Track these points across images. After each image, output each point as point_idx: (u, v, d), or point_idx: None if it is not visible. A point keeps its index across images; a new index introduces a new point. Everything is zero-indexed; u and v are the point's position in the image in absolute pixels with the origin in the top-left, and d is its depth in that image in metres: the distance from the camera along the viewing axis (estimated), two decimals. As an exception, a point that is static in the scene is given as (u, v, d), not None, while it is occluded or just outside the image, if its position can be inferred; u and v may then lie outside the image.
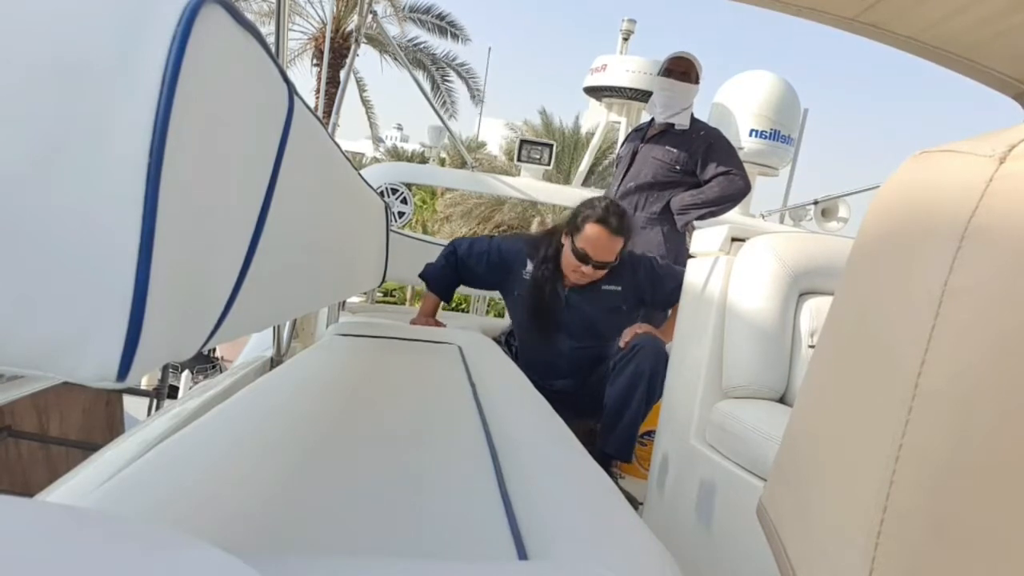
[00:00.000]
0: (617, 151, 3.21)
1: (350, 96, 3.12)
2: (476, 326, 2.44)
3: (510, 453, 0.94)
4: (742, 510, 1.28)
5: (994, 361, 0.33)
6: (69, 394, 2.80)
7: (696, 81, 2.90)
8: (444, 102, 14.20)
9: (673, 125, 2.88)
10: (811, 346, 1.48)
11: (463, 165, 4.24)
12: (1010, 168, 0.35)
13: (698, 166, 2.82)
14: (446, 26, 13.96)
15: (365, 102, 14.79)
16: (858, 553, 0.37)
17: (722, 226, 1.71)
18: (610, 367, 2.18)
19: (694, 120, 2.91)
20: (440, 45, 14.41)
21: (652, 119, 3.00)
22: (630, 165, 2.97)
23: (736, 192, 2.78)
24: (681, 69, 2.89)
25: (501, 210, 13.56)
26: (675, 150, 2.87)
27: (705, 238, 1.75)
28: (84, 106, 0.37)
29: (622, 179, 2.96)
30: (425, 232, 13.35)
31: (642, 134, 3.02)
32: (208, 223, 0.46)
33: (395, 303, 12.53)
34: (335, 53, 10.47)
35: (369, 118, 15.10)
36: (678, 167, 2.86)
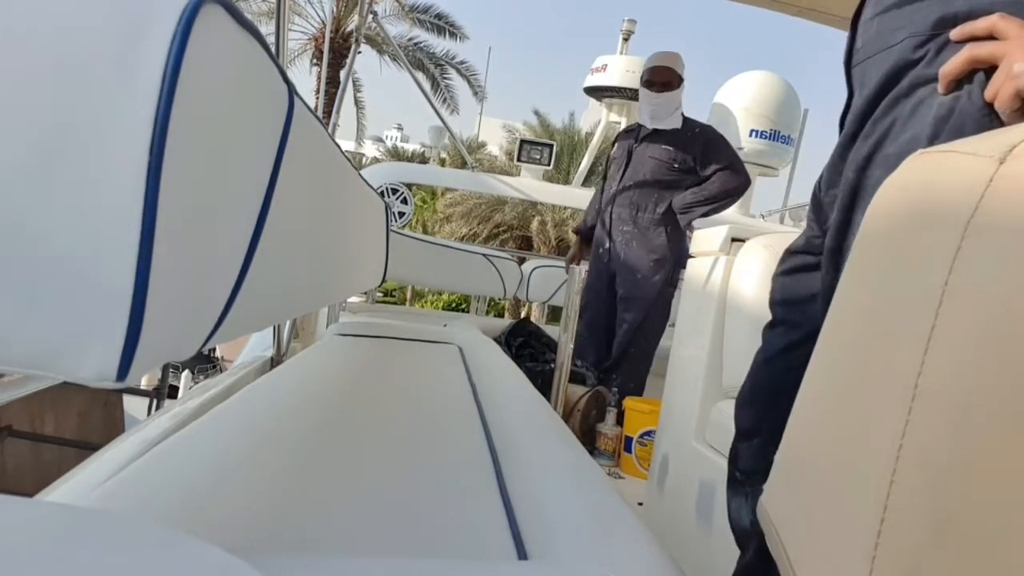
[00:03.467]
0: (610, 152, 3.14)
1: (348, 96, 3.11)
2: (476, 326, 2.44)
3: (510, 453, 0.94)
4: (742, 510, 1.28)
5: (994, 361, 0.33)
6: (69, 394, 2.80)
7: (680, 84, 2.85)
8: (444, 99, 14.20)
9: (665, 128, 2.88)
10: (811, 346, 1.48)
11: (463, 165, 4.25)
12: (1010, 168, 0.35)
13: (697, 163, 2.80)
14: (444, 25, 13.96)
15: (358, 102, 14.77)
16: (858, 553, 0.37)
17: (722, 226, 1.71)
18: None
19: (686, 119, 2.88)
20: (439, 44, 14.38)
21: (639, 125, 2.99)
22: (627, 165, 2.93)
23: (737, 186, 2.76)
24: (662, 80, 2.84)
25: (502, 210, 13.56)
26: (672, 148, 2.84)
27: (705, 238, 1.75)
28: (84, 106, 0.37)
29: (620, 179, 2.92)
30: (425, 232, 13.35)
31: (635, 134, 2.98)
32: (208, 223, 0.46)
33: (395, 303, 12.53)
34: (335, 53, 10.47)
35: (358, 119, 15.07)
36: (676, 165, 2.82)
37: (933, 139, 0.77)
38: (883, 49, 0.87)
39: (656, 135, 2.87)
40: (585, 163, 5.87)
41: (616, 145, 3.08)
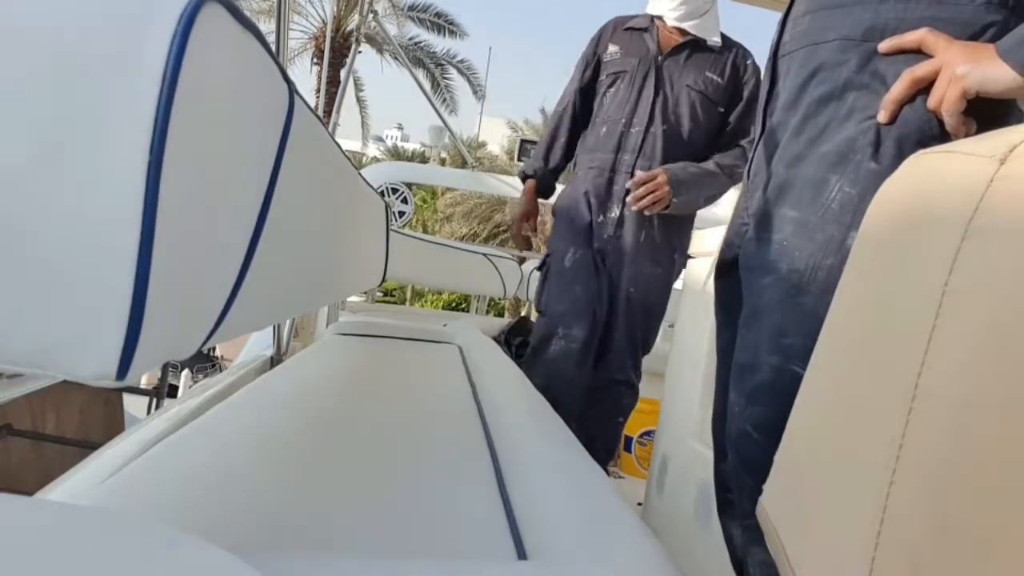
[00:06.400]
0: (595, 51, 1.90)
1: (347, 95, 3.07)
2: (476, 326, 2.44)
3: (510, 453, 0.94)
4: (742, 510, 1.28)
5: (994, 361, 0.33)
6: (69, 393, 2.80)
7: None
8: (444, 99, 14.23)
9: (703, 40, 1.80)
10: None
11: (464, 165, 4.25)
12: (1010, 169, 0.35)
13: (732, 114, 1.82)
14: (444, 24, 14.01)
15: (360, 101, 14.83)
16: (858, 553, 0.37)
17: (722, 226, 1.70)
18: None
19: (723, 36, 1.84)
20: (439, 43, 14.48)
21: (651, 19, 1.84)
22: (654, 90, 1.77)
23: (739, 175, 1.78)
24: None
25: (501, 210, 13.57)
26: (720, 79, 1.78)
27: (705, 238, 1.75)
28: (84, 106, 0.37)
29: (640, 109, 1.77)
30: (425, 232, 13.36)
31: (652, 37, 1.80)
32: (208, 222, 0.46)
33: (395, 303, 12.55)
34: (335, 52, 10.48)
35: (362, 118, 15.12)
36: (721, 109, 1.80)
37: (877, 145, 0.81)
38: (810, 44, 0.90)
39: (695, 51, 1.79)
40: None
41: (606, 43, 1.88)
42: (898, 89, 0.78)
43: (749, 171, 1.01)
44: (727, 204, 2.37)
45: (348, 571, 0.48)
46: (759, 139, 0.99)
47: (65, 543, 0.31)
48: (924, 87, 0.77)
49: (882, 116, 0.80)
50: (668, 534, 1.62)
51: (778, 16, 1.01)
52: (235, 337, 0.61)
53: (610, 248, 1.80)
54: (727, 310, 1.06)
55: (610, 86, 1.83)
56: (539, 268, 1.93)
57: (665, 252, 1.82)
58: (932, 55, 0.76)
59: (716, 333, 1.09)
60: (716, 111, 1.79)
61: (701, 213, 1.98)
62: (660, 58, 1.79)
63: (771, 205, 0.90)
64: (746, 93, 1.80)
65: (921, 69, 0.76)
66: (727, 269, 1.05)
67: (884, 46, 0.81)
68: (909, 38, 0.79)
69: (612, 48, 1.85)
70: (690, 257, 1.84)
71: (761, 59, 1.37)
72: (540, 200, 2.06)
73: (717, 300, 1.09)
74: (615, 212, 1.79)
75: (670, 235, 1.82)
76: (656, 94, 1.77)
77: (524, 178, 2.03)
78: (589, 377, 1.81)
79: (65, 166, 0.36)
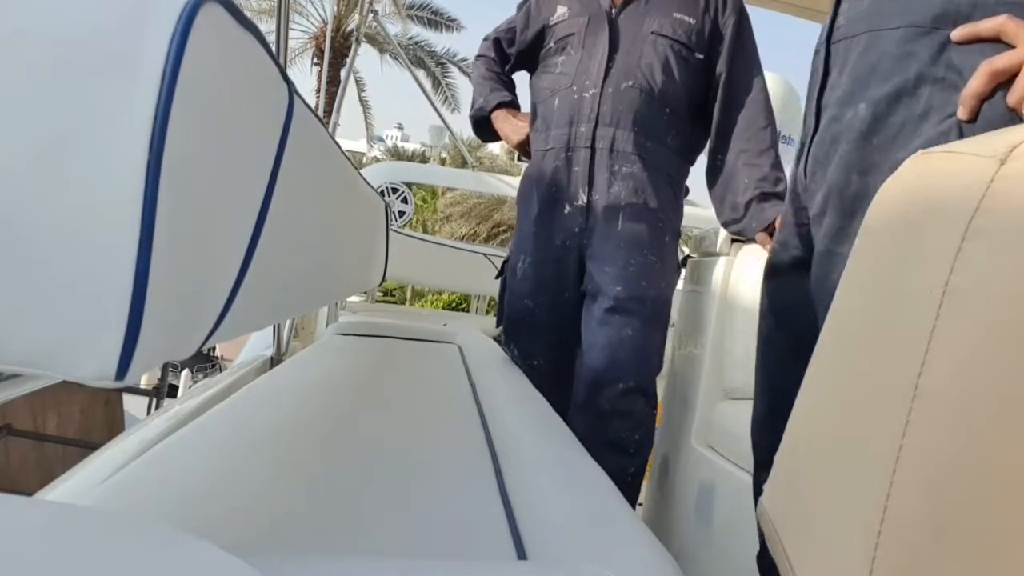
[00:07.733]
0: (523, 17, 1.67)
1: (349, 96, 3.05)
2: (476, 326, 2.44)
3: (510, 453, 0.94)
4: (742, 511, 1.28)
5: (994, 361, 0.33)
6: (69, 393, 2.81)
7: None
8: (446, 98, 14.26)
9: None
10: (811, 346, 1.47)
11: (464, 164, 4.24)
12: (1011, 169, 0.35)
13: (721, 53, 1.50)
14: (440, 20, 14.08)
15: (363, 102, 14.88)
16: (858, 553, 0.37)
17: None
18: None
19: None
20: (439, 42, 14.56)
21: None
22: (608, 45, 1.49)
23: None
24: None
25: (501, 210, 13.58)
26: (690, 19, 1.49)
27: (705, 239, 1.76)
28: (84, 106, 0.37)
29: (598, 69, 1.49)
30: (425, 232, 13.37)
31: None
32: (208, 222, 0.46)
33: (395, 303, 12.54)
34: (336, 52, 10.48)
35: (366, 118, 15.16)
36: (700, 55, 1.50)
37: None
38: (872, 30, 0.82)
39: None
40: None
41: (553, 4, 1.60)
42: (976, 83, 0.70)
43: (806, 168, 0.92)
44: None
45: (348, 571, 0.48)
46: (813, 133, 0.90)
47: (65, 543, 0.31)
48: (1005, 80, 0.68)
49: (962, 113, 0.71)
50: (668, 534, 1.62)
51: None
52: (235, 337, 0.61)
53: (584, 244, 1.51)
54: (778, 315, 0.97)
55: (559, 53, 1.56)
56: (499, 277, 1.69)
57: (656, 236, 1.49)
58: (1013, 45, 0.68)
59: (763, 339, 1.01)
60: (694, 58, 1.49)
61: (699, 213, 1.92)
62: (613, 11, 1.51)
63: (843, 217, 0.82)
64: (728, 33, 1.49)
65: (1000, 61, 0.68)
66: (782, 271, 0.97)
67: (957, 34, 0.73)
68: (986, 26, 0.70)
69: (561, 10, 1.57)
70: (690, 257, 1.84)
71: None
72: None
73: (768, 304, 1.00)
74: (581, 199, 1.49)
75: (657, 216, 1.50)
76: (612, 50, 1.49)
77: (489, 113, 1.71)
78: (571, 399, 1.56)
79: (65, 166, 0.36)
